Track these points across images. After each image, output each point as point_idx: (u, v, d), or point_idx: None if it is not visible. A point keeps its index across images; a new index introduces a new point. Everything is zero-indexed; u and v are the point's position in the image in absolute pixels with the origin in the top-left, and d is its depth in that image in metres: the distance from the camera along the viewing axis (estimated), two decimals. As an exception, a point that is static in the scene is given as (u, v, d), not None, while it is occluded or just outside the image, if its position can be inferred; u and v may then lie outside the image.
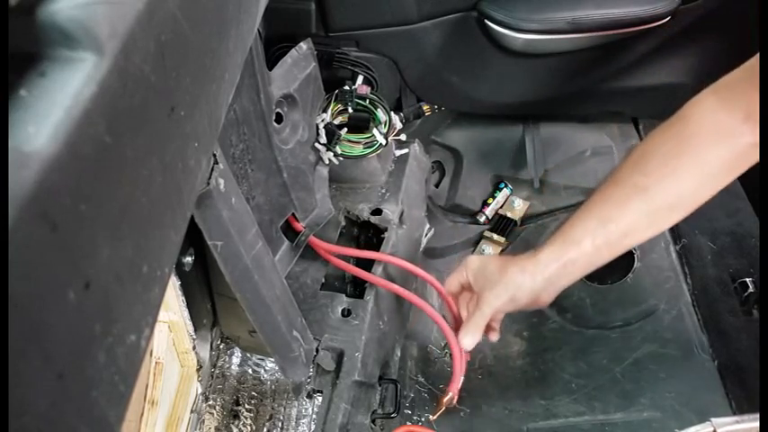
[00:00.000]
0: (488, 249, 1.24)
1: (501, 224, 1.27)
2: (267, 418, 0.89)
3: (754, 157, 0.66)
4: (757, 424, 0.57)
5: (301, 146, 0.96)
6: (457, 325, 0.87)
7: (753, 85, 0.62)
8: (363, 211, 1.05)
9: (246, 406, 0.90)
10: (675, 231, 1.12)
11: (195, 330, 0.82)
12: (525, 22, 1.04)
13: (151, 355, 0.77)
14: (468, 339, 0.82)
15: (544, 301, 0.77)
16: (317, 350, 0.90)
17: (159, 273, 0.38)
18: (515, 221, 1.27)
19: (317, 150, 1.01)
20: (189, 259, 0.73)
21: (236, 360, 0.92)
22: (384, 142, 1.02)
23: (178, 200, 0.40)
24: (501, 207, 1.31)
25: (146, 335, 0.36)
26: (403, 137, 1.13)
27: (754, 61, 0.64)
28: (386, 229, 1.03)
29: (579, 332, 1.06)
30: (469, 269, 0.83)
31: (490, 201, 1.31)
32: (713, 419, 0.57)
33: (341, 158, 1.02)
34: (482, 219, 1.30)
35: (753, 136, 0.64)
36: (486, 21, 1.06)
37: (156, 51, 0.35)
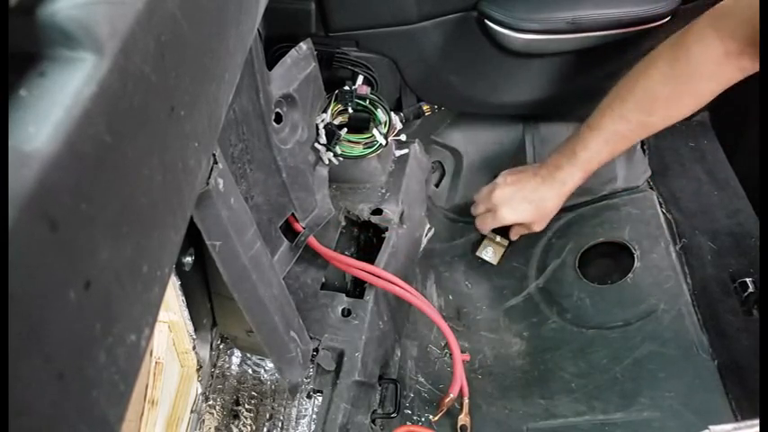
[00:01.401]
0: (489, 250, 1.24)
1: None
2: (267, 418, 0.89)
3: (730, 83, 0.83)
4: (757, 430, 0.57)
5: (301, 146, 0.96)
6: None
7: (747, 17, 0.74)
8: (363, 211, 1.05)
9: (246, 406, 0.90)
10: (675, 231, 1.12)
11: (195, 330, 0.82)
12: (525, 22, 1.04)
13: (151, 355, 0.77)
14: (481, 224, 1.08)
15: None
16: (317, 350, 0.90)
17: (159, 273, 0.38)
18: (516, 222, 1.27)
19: (317, 150, 1.01)
20: (189, 259, 0.73)
21: (236, 360, 0.92)
22: (384, 143, 1.02)
23: (178, 200, 0.40)
24: (501, 207, 1.31)
25: (146, 335, 0.36)
26: (403, 137, 1.13)
27: None
28: (386, 229, 1.03)
29: (579, 332, 1.06)
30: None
31: (490, 201, 1.31)
32: (711, 427, 0.56)
33: (341, 159, 1.02)
34: (482, 219, 1.30)
35: (738, 72, 0.80)
36: (485, 21, 1.05)
37: (156, 51, 0.35)
